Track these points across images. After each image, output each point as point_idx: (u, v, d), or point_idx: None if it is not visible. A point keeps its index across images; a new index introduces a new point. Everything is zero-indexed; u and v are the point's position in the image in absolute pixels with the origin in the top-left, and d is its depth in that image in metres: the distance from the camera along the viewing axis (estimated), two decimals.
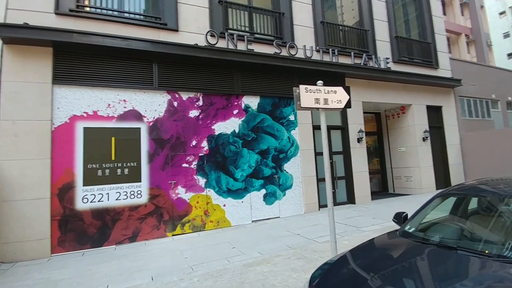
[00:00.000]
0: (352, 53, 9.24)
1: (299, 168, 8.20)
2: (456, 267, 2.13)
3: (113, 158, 6.14)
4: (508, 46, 35.03)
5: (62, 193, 5.70)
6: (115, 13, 6.59)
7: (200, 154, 7.00)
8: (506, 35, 35.53)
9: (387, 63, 9.89)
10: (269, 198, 7.66)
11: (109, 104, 6.25)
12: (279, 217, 7.70)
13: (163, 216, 6.44)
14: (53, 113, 5.77)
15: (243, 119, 7.61)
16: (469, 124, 12.27)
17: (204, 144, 7.08)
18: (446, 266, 2.12)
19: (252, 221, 7.35)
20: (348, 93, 3.99)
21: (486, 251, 2.18)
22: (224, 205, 7.10)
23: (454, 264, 2.14)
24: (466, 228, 2.70)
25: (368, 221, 6.70)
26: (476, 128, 12.17)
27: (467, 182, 3.28)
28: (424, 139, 10.70)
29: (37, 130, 5.56)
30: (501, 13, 36.44)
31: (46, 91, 5.72)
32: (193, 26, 7.22)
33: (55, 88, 5.85)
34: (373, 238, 2.99)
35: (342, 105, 3.96)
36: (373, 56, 9.70)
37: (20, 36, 5.46)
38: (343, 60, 9.10)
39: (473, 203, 2.96)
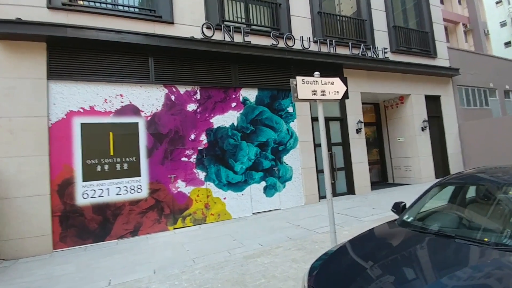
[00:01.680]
0: (350, 43, 9.17)
1: (298, 160, 8.21)
2: (455, 255, 2.13)
3: (111, 153, 6.13)
4: (505, 35, 34.94)
5: (62, 189, 5.70)
6: (109, 6, 6.48)
7: (199, 148, 6.99)
8: (503, 24, 35.41)
9: (385, 53, 9.84)
10: (269, 190, 7.69)
11: (105, 99, 6.21)
12: (279, 209, 7.74)
13: (163, 210, 6.46)
14: (49, 109, 5.73)
15: (241, 112, 7.58)
16: (468, 113, 12.28)
17: (203, 137, 7.06)
18: (444, 255, 2.14)
19: (253, 213, 7.38)
20: (345, 84, 3.98)
21: (485, 239, 2.19)
22: (225, 198, 7.13)
23: (452, 253, 2.15)
24: (465, 217, 2.71)
25: (367, 211, 6.74)
26: (474, 117, 12.17)
27: (465, 171, 3.29)
28: (423, 129, 10.71)
29: (34, 126, 5.53)
30: (497, 2, 36.28)
31: (42, 87, 5.67)
32: (189, 19, 7.13)
33: (50, 83, 5.80)
34: (372, 228, 3.01)
35: (339, 96, 3.95)
36: (371, 46, 9.63)
37: (13, 32, 5.38)
38: (341, 50, 9.04)
39: (472, 192, 2.97)
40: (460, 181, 3.09)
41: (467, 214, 2.76)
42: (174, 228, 6.51)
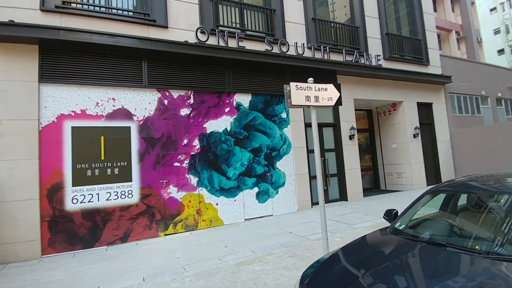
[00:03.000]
0: (343, 50, 9.25)
1: (291, 166, 8.20)
2: (446, 264, 2.13)
3: (102, 157, 6.04)
4: (499, 42, 35.58)
5: (51, 193, 5.59)
6: (103, 9, 6.45)
7: (192, 153, 6.94)
8: (497, 32, 36.07)
9: (378, 60, 9.93)
10: (261, 196, 7.65)
11: (97, 103, 6.14)
12: (272, 215, 7.69)
13: (155, 215, 6.37)
14: (40, 112, 5.64)
15: (235, 117, 7.56)
16: (459, 120, 12.42)
17: (196, 142, 7.01)
18: (436, 263, 2.13)
19: (245, 219, 7.33)
20: (339, 90, 3.98)
21: (477, 247, 2.19)
22: (217, 204, 7.07)
23: (443, 261, 2.14)
24: (456, 225, 2.71)
25: (360, 217, 6.74)
26: (466, 125, 12.32)
27: (457, 179, 3.30)
28: (415, 136, 10.80)
29: (25, 130, 5.44)
30: (492, 10, 36.98)
31: (33, 90, 5.59)
32: (183, 23, 7.13)
33: (41, 86, 5.72)
34: (364, 236, 2.99)
35: (332, 102, 3.95)
36: (365, 53, 9.72)
37: (5, 34, 5.32)
38: (334, 57, 9.10)
39: (463, 200, 2.98)
40: (451, 189, 3.10)
41: (458, 222, 2.75)
42: (165, 234, 6.42)
